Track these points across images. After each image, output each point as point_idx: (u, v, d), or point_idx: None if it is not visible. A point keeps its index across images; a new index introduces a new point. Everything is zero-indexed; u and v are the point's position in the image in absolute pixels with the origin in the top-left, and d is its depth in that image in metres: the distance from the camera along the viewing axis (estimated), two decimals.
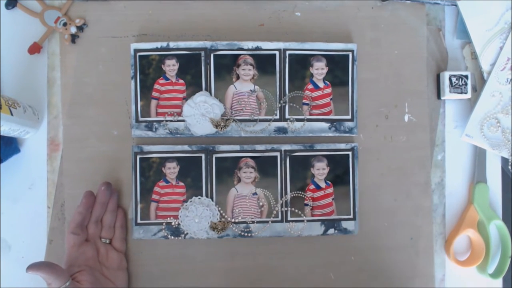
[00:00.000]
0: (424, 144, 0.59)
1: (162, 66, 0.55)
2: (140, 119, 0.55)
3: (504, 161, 0.60)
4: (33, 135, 0.57)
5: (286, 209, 0.56)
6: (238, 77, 0.56)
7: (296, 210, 0.56)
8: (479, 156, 0.60)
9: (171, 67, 0.55)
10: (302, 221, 0.56)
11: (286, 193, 0.56)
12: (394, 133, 0.59)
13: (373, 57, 0.59)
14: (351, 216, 0.56)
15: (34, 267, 0.44)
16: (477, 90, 0.59)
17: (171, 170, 0.55)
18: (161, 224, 0.55)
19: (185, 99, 0.55)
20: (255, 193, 0.55)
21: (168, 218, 0.55)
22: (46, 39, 0.57)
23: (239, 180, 0.55)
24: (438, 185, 0.60)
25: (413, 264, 0.58)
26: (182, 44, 0.55)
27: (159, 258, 0.56)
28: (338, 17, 0.59)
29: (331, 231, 0.56)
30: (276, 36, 0.58)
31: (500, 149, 0.58)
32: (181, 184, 0.55)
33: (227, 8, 0.58)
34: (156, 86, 0.55)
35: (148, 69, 0.55)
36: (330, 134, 0.57)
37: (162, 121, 0.55)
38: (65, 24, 0.57)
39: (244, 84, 0.56)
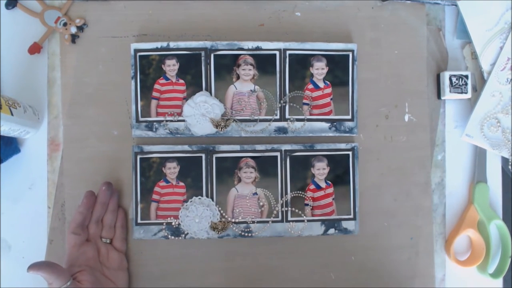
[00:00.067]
0: (424, 144, 0.59)
1: (162, 66, 0.55)
2: (140, 119, 0.55)
3: (504, 161, 0.60)
4: (33, 135, 0.57)
5: (286, 209, 0.56)
6: (238, 77, 0.56)
7: (297, 210, 0.56)
8: (479, 156, 0.60)
9: (171, 67, 0.55)
10: (303, 221, 0.56)
11: (286, 193, 0.56)
12: (394, 133, 0.59)
13: (373, 57, 0.59)
14: (351, 216, 0.56)
15: (35, 266, 0.44)
16: (477, 90, 0.60)
17: (172, 170, 0.55)
18: (161, 224, 0.55)
19: (185, 99, 0.55)
20: (256, 193, 0.55)
21: (169, 218, 0.55)
22: (46, 39, 0.57)
23: (240, 180, 0.55)
24: (438, 185, 0.60)
25: (413, 264, 0.58)
26: (182, 44, 0.55)
27: (159, 258, 0.56)
28: (338, 17, 0.59)
29: (331, 231, 0.56)
30: (276, 36, 0.58)
31: (500, 149, 0.58)
32: (182, 184, 0.55)
33: (227, 8, 0.58)
34: (156, 86, 0.55)
35: (148, 69, 0.55)
36: (330, 134, 0.57)
37: (162, 121, 0.55)
38: (65, 24, 0.57)
39: (244, 84, 0.56)
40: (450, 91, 0.57)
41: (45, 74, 0.57)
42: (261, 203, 0.55)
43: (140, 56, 0.55)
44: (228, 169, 0.55)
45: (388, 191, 0.59)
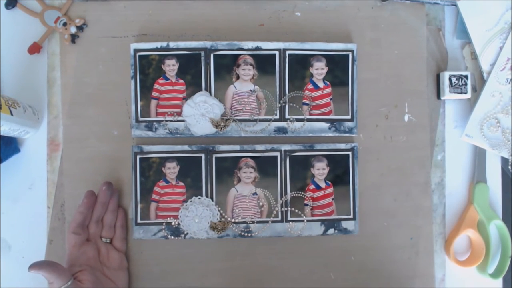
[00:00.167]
0: (424, 144, 0.59)
1: (162, 66, 0.55)
2: (140, 119, 0.55)
3: (504, 161, 0.60)
4: (33, 135, 0.57)
5: (286, 209, 0.56)
6: (238, 77, 0.56)
7: (296, 210, 0.56)
8: (479, 156, 0.60)
9: (171, 67, 0.55)
10: (302, 221, 0.56)
11: (286, 193, 0.56)
12: (394, 133, 0.59)
13: (373, 57, 0.59)
14: (351, 216, 0.56)
15: (36, 266, 0.44)
16: (477, 90, 0.60)
17: (171, 170, 0.55)
18: (161, 224, 0.55)
19: (185, 99, 0.55)
20: (255, 193, 0.55)
21: (168, 218, 0.55)
22: (46, 39, 0.57)
23: (239, 180, 0.55)
24: (438, 185, 0.60)
25: (413, 264, 0.58)
26: (182, 44, 0.55)
27: (159, 258, 0.56)
28: (338, 17, 0.59)
29: (331, 231, 0.56)
30: (276, 36, 0.58)
31: (500, 149, 0.58)
32: (181, 184, 0.55)
33: (227, 8, 0.58)
34: (156, 86, 0.55)
35: (148, 69, 0.55)
36: (330, 134, 0.57)
37: (162, 121, 0.55)
38: (65, 24, 0.57)
39: (244, 84, 0.56)
40: (450, 91, 0.57)
41: (45, 74, 0.58)
42: (260, 203, 0.55)
43: (140, 56, 0.55)
44: (227, 169, 0.55)
45: (388, 191, 0.59)
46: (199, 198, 0.55)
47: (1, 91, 0.57)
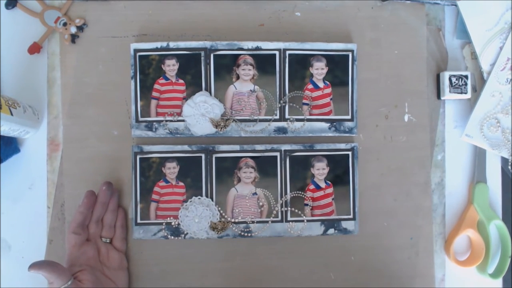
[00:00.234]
0: (424, 144, 0.59)
1: (162, 66, 0.55)
2: (140, 119, 0.55)
3: (504, 161, 0.60)
4: (33, 135, 0.57)
5: (286, 209, 0.56)
6: (238, 77, 0.56)
7: (296, 210, 0.56)
8: (479, 156, 0.60)
9: (171, 67, 0.55)
10: (302, 221, 0.56)
11: (286, 193, 0.56)
12: (394, 133, 0.59)
13: (373, 57, 0.59)
14: (351, 216, 0.56)
15: (36, 266, 0.44)
16: (477, 90, 0.60)
17: (171, 170, 0.55)
18: (161, 224, 0.55)
19: (185, 99, 0.55)
20: (255, 193, 0.55)
21: (168, 218, 0.55)
22: (46, 39, 0.57)
23: (239, 180, 0.55)
24: (438, 185, 0.60)
25: (413, 264, 0.58)
26: (182, 44, 0.55)
27: (159, 258, 0.56)
28: (338, 17, 0.59)
29: (331, 231, 0.56)
30: (276, 36, 0.58)
31: (500, 149, 0.58)
32: (181, 184, 0.55)
33: (227, 8, 0.58)
34: (156, 86, 0.55)
35: (148, 69, 0.55)
36: (330, 134, 0.57)
37: (162, 121, 0.55)
38: (65, 24, 0.57)
39: (244, 84, 0.56)
40: (450, 91, 0.57)
41: (45, 74, 0.57)
42: (260, 203, 0.55)
43: (140, 56, 0.55)
44: (227, 169, 0.55)
45: (388, 191, 0.59)
46: (199, 198, 0.55)
47: (1, 91, 0.57)
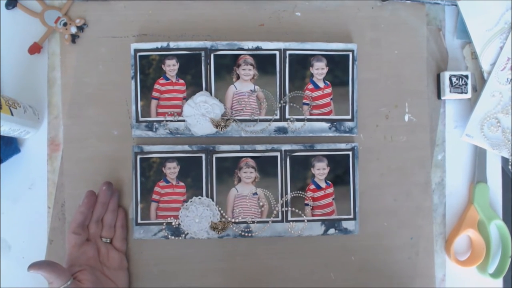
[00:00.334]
0: (424, 144, 0.59)
1: (162, 66, 0.55)
2: (140, 119, 0.55)
3: (504, 161, 0.60)
4: (33, 135, 0.57)
5: (286, 209, 0.56)
6: (238, 77, 0.56)
7: (297, 210, 0.56)
8: (479, 156, 0.60)
9: (171, 67, 0.55)
10: (303, 221, 0.56)
11: (286, 193, 0.56)
12: (394, 133, 0.59)
13: (373, 57, 0.59)
14: (351, 216, 0.56)
15: (36, 266, 0.44)
16: (477, 90, 0.60)
17: (172, 170, 0.55)
18: (161, 224, 0.55)
19: (185, 99, 0.55)
20: (256, 193, 0.55)
21: (169, 218, 0.55)
22: (46, 39, 0.57)
23: (239, 180, 0.55)
24: (438, 185, 0.60)
25: (413, 264, 0.58)
26: (182, 44, 0.55)
27: (159, 258, 0.56)
28: (338, 17, 0.59)
29: (332, 231, 0.56)
30: (276, 36, 0.58)
31: (500, 149, 0.58)
32: (182, 184, 0.55)
33: (227, 8, 0.58)
34: (156, 86, 0.55)
35: (148, 69, 0.55)
36: (330, 134, 0.57)
37: (162, 121, 0.55)
38: (65, 24, 0.57)
39: (244, 84, 0.56)
40: (450, 91, 0.57)
41: (45, 74, 0.57)
42: (261, 203, 0.55)
43: (140, 56, 0.55)
44: (228, 169, 0.55)
45: (388, 191, 0.59)
46: (200, 198, 0.55)
47: (1, 91, 0.57)
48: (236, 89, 0.56)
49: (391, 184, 0.59)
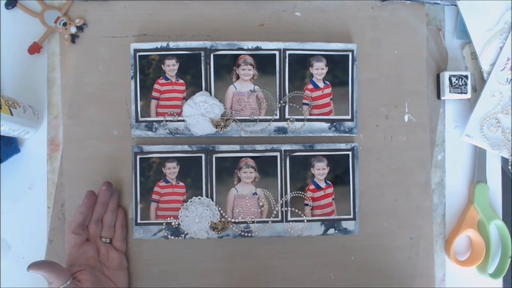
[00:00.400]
0: (424, 144, 0.59)
1: (162, 66, 0.55)
2: (140, 119, 0.55)
3: (504, 161, 0.60)
4: (33, 135, 0.57)
5: (286, 209, 0.56)
6: (238, 77, 0.56)
7: (296, 210, 0.56)
8: (479, 156, 0.60)
9: (171, 67, 0.55)
10: (302, 221, 0.56)
11: (286, 193, 0.56)
12: (394, 133, 0.59)
13: (373, 57, 0.59)
14: (351, 216, 0.56)
15: (35, 266, 0.44)
16: (477, 90, 0.60)
17: (171, 170, 0.55)
18: (161, 224, 0.55)
19: (185, 99, 0.55)
20: (255, 193, 0.55)
21: (168, 218, 0.55)
22: (46, 39, 0.57)
23: (239, 180, 0.55)
24: (438, 185, 0.60)
25: (413, 264, 0.58)
26: (182, 44, 0.55)
27: (159, 258, 0.56)
28: (338, 17, 0.59)
29: (331, 231, 0.56)
30: (276, 36, 0.58)
31: (500, 149, 0.58)
32: (181, 184, 0.55)
33: (227, 8, 0.58)
34: (156, 86, 0.55)
35: (148, 69, 0.55)
36: (330, 134, 0.57)
37: (162, 121, 0.55)
38: (65, 24, 0.57)
39: (244, 84, 0.56)
40: (450, 91, 0.57)
41: (45, 74, 0.57)
42: (261, 203, 0.55)
43: (139, 56, 0.55)
44: (227, 169, 0.55)
45: (388, 191, 0.59)
46: (199, 198, 0.55)
47: (1, 91, 0.57)
48: (236, 89, 0.56)
49: (391, 184, 0.59)
